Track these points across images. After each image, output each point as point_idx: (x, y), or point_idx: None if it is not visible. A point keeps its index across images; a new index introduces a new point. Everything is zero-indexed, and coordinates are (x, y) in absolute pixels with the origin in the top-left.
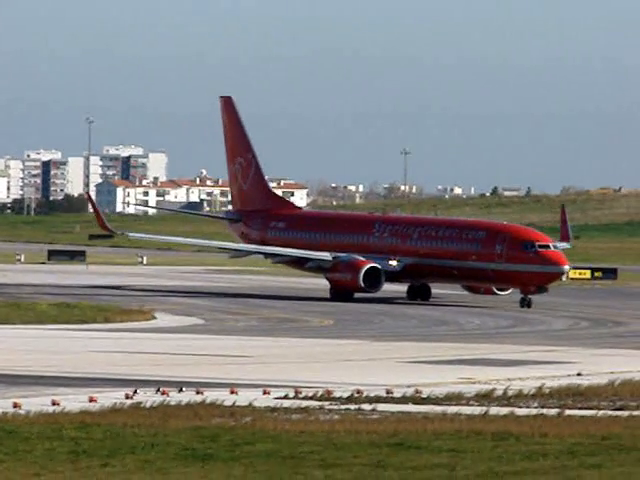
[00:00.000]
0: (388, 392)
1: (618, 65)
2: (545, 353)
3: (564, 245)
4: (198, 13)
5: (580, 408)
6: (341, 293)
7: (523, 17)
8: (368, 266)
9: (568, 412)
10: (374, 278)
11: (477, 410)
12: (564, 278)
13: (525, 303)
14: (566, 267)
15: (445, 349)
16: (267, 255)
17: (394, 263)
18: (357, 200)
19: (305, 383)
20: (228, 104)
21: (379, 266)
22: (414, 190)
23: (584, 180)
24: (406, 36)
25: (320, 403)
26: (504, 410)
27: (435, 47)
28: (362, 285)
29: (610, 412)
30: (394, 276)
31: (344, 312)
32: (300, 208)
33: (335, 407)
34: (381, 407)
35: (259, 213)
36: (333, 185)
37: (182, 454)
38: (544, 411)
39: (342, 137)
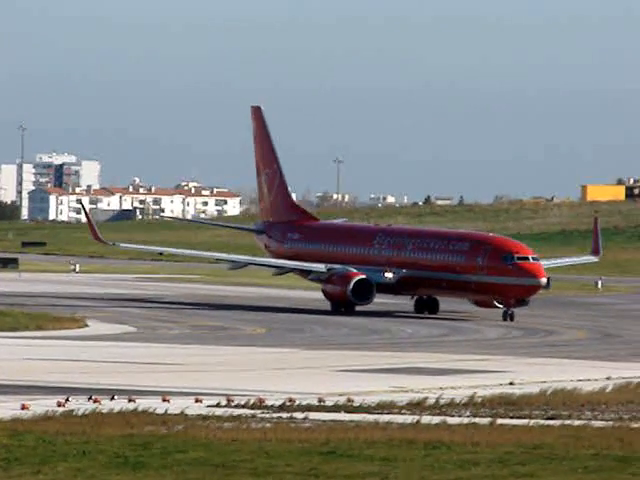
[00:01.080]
0: (320, 400)
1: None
2: (477, 362)
3: (571, 260)
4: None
5: (512, 417)
6: (335, 305)
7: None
8: (357, 278)
9: (500, 421)
10: (365, 290)
11: (409, 419)
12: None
13: (507, 316)
14: (543, 279)
15: (377, 358)
16: (264, 266)
17: (389, 275)
18: None
19: (237, 391)
20: (257, 114)
21: (369, 278)
22: (347, 199)
23: (517, 189)
24: (328, 42)
25: (252, 411)
26: (436, 419)
27: (356, 47)
28: (351, 297)
29: (542, 421)
30: (390, 288)
31: (276, 321)
32: (317, 219)
33: (267, 415)
34: (313, 415)
35: (279, 225)
36: None
37: (114, 462)
38: (476, 420)
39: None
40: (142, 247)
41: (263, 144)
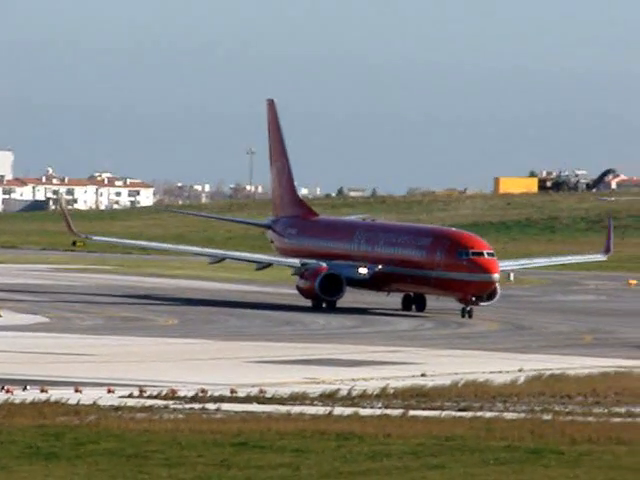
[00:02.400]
0: (232, 392)
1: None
2: (389, 354)
3: (577, 258)
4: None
5: (424, 409)
6: (314, 300)
7: (359, 16)
8: (325, 273)
9: (412, 413)
10: (334, 286)
11: (321, 410)
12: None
13: (465, 313)
14: (495, 276)
15: (290, 349)
16: (241, 260)
17: (364, 271)
18: (203, 200)
19: (150, 382)
20: (271, 106)
21: (339, 273)
22: (260, 190)
23: (430, 181)
24: (250, 32)
25: (165, 402)
26: (348, 410)
27: (263, 43)
28: (318, 292)
29: (454, 413)
30: (366, 284)
31: (189, 312)
32: (316, 214)
33: (179, 406)
34: (225, 407)
35: (283, 220)
36: (179, 184)
37: (26, 452)
38: (388, 412)
39: (187, 136)
40: (115, 240)
41: (275, 137)
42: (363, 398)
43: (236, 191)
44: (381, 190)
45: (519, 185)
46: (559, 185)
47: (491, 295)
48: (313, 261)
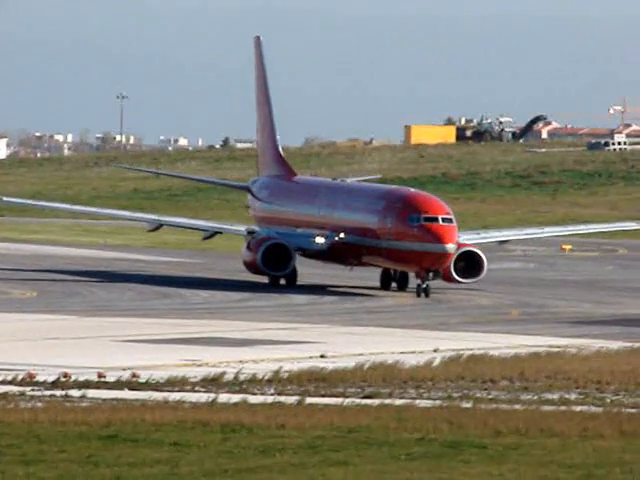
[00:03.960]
0: (100, 376)
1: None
2: (284, 331)
3: (615, 226)
4: None
5: (323, 395)
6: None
7: None
8: (269, 243)
9: (309, 400)
10: (281, 258)
11: (204, 397)
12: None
13: (420, 290)
14: (449, 246)
15: (167, 326)
16: (181, 227)
17: (321, 240)
18: (65, 152)
19: (3, 365)
20: (257, 43)
21: (288, 243)
22: (132, 141)
23: (330, 131)
24: None
25: (21, 388)
26: (235, 397)
27: None
28: (261, 266)
29: (358, 400)
30: (325, 256)
31: (50, 283)
32: (294, 174)
33: (38, 393)
34: (92, 393)
35: (262, 181)
36: (37, 134)
37: None
38: (282, 399)
39: (45, 78)
40: (26, 202)
41: (260, 81)
42: (252, 383)
43: (104, 141)
44: None
45: (434, 135)
46: (480, 135)
47: (475, 270)
48: (262, 229)
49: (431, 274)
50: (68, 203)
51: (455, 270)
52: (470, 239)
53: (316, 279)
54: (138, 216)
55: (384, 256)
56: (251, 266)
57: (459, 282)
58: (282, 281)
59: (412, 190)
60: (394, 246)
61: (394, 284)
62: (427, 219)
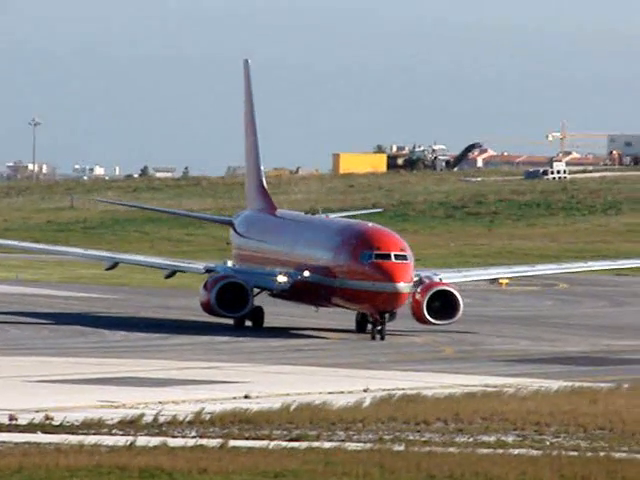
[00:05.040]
0: (11, 418)
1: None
2: (205, 370)
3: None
4: None
5: (248, 438)
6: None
7: None
8: (223, 283)
9: (233, 443)
10: (238, 298)
11: (121, 440)
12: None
13: (375, 332)
14: (400, 285)
15: (83, 365)
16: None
17: (283, 279)
18: None
19: None
20: (246, 67)
21: (244, 283)
22: (45, 170)
23: None
24: None
25: None
26: (155, 440)
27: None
28: (215, 307)
29: (284, 443)
30: (289, 295)
31: None
32: (275, 208)
33: None
34: (3, 437)
35: (244, 215)
36: None
37: None
38: (204, 442)
39: None
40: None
41: (247, 106)
42: (173, 425)
43: (15, 171)
44: (194, 170)
45: (364, 163)
46: (413, 163)
47: (449, 311)
48: (221, 266)
49: (387, 315)
50: None
51: (429, 311)
52: (450, 277)
53: (288, 321)
54: (92, 254)
55: (339, 296)
56: (206, 307)
57: (432, 324)
58: (248, 323)
59: (369, 225)
60: (347, 285)
61: (369, 326)
62: (379, 256)
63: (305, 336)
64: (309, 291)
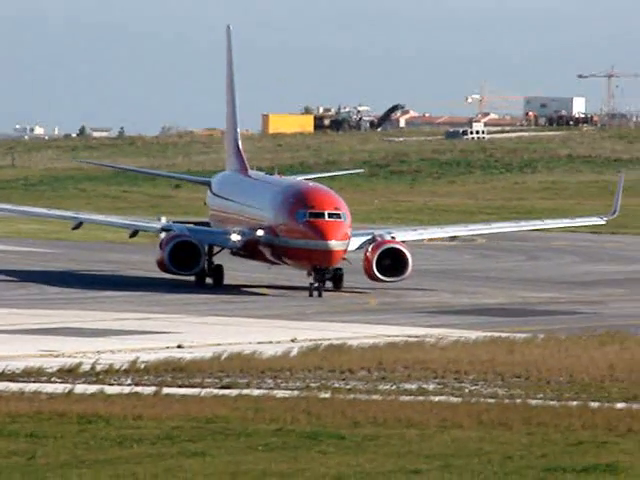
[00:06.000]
0: None
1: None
2: (140, 321)
3: (580, 221)
4: None
5: (181, 386)
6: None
7: None
8: (176, 241)
9: (167, 390)
10: (190, 257)
11: (60, 388)
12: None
13: (312, 289)
14: (332, 242)
15: (23, 316)
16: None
17: (237, 238)
18: None
19: None
20: (228, 34)
21: (196, 241)
22: None
23: (187, 120)
24: None
25: None
26: (92, 388)
27: None
28: (169, 265)
29: (215, 391)
30: (244, 254)
31: None
32: (246, 169)
33: None
34: None
35: (220, 176)
36: None
37: None
38: (139, 389)
39: None
40: None
41: (228, 69)
42: (109, 374)
43: None
44: (130, 130)
45: (292, 124)
46: (339, 123)
47: (399, 268)
48: (178, 225)
49: (325, 273)
50: None
51: (379, 268)
52: (405, 236)
53: (249, 280)
54: (56, 213)
55: (281, 253)
56: (160, 265)
57: (382, 281)
58: (208, 280)
59: (309, 185)
60: (285, 243)
61: (329, 283)
62: (313, 214)
63: (251, 293)
64: (258, 250)
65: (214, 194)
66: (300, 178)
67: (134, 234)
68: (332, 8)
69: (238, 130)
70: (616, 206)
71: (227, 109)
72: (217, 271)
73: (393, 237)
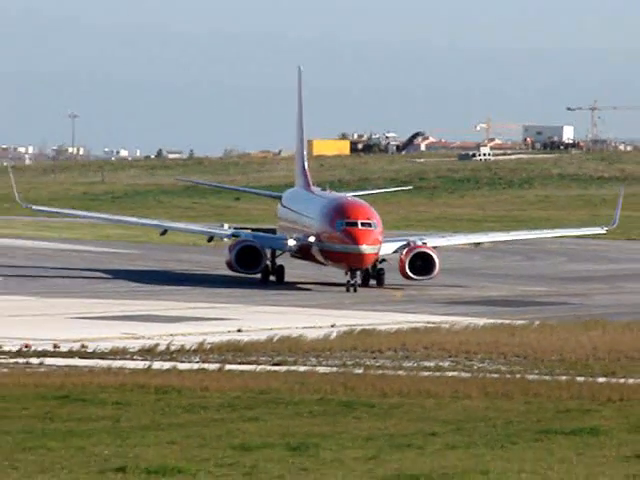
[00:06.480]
0: (55, 346)
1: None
2: (206, 310)
3: (580, 231)
4: None
5: (240, 363)
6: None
7: None
8: (242, 245)
9: (228, 367)
10: (253, 259)
11: (140, 364)
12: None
13: (349, 286)
14: (363, 247)
15: (111, 305)
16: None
17: (292, 243)
18: (27, 161)
19: None
20: (299, 74)
21: (258, 246)
22: (82, 152)
23: (245, 143)
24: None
25: None
26: (167, 365)
27: (102, 13)
28: (235, 265)
29: (268, 367)
30: (300, 256)
31: (14, 269)
32: (310, 185)
33: (4, 361)
34: (48, 361)
35: (290, 191)
36: (4, 146)
37: None
38: (205, 366)
39: (9, 98)
40: (55, 210)
41: (298, 102)
42: (181, 353)
43: (58, 153)
44: (198, 152)
45: (332, 147)
46: (370, 147)
47: (428, 269)
48: (245, 232)
49: (358, 272)
50: (38, 205)
51: (412, 268)
52: (435, 242)
53: (308, 279)
54: (145, 222)
55: (325, 256)
56: (228, 265)
57: (413, 279)
58: (272, 278)
59: (347, 199)
60: (328, 247)
61: (373, 281)
62: (348, 224)
63: (303, 289)
64: (311, 253)
65: (282, 206)
66: (350, 194)
67: (210, 239)
68: (363, 52)
69: (305, 153)
70: (616, 217)
71: (296, 138)
72: (279, 270)
73: (424, 243)
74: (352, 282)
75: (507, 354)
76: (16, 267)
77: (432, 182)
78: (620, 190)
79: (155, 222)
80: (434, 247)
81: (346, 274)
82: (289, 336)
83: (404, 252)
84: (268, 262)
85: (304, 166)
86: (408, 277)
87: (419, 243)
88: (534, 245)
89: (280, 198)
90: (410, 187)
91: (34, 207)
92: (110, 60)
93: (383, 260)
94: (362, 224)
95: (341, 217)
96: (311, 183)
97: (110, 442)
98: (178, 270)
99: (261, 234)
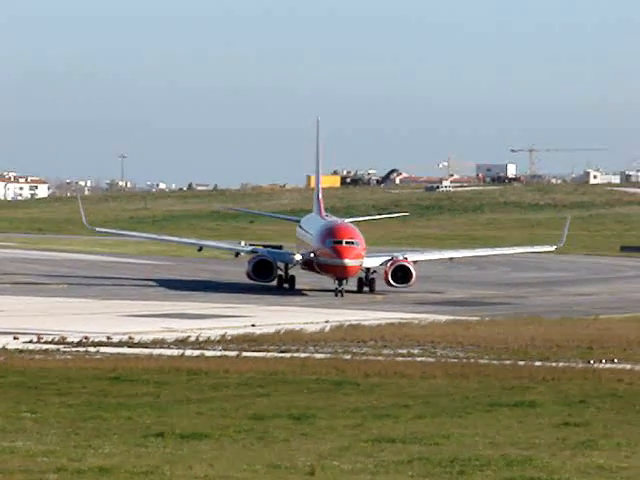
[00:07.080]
0: (108, 338)
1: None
2: (227, 309)
3: (531, 249)
4: None
5: (254, 351)
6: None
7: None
8: (258, 259)
9: (245, 354)
10: (266, 270)
11: (175, 352)
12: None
13: (337, 292)
14: (346, 260)
15: (153, 306)
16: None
17: (298, 257)
18: (86, 192)
19: (45, 331)
20: (317, 125)
21: (270, 259)
22: (129, 185)
23: (257, 178)
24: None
25: (57, 346)
26: (196, 352)
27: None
28: (253, 275)
29: (276, 354)
30: (305, 267)
31: (76, 279)
32: (321, 211)
33: (68, 349)
34: (103, 350)
35: (307, 216)
36: (68, 180)
37: None
38: (226, 353)
39: (74, 142)
40: (116, 232)
41: (317, 154)
42: (207, 343)
43: (111, 186)
44: (221, 184)
45: (326, 181)
46: (356, 181)
47: (406, 279)
48: (260, 249)
49: (344, 281)
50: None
51: (394, 278)
52: (415, 257)
53: (314, 286)
54: (184, 240)
55: (320, 268)
56: (248, 275)
57: (394, 287)
58: (285, 285)
59: (338, 222)
60: (321, 261)
61: (366, 287)
62: (335, 242)
63: (304, 295)
64: (313, 265)
65: (300, 227)
66: (350, 220)
67: (237, 255)
68: (348, 100)
69: (320, 186)
70: (563, 238)
71: (315, 174)
72: (291, 279)
73: (406, 258)
74: (339, 289)
75: (464, 343)
76: (77, 277)
77: (405, 209)
78: (567, 219)
79: (192, 240)
80: (414, 261)
81: (334, 282)
82: (292, 330)
83: (387, 265)
84: (281, 273)
85: (319, 196)
86: (391, 285)
87: (400, 258)
88: (484, 258)
89: (299, 221)
90: (406, 213)
91: (97, 229)
92: (153, 110)
93: (374, 272)
94: (346, 242)
95: (330, 236)
96: (323, 210)
97: (151, 413)
98: (206, 278)
99: (274, 250)
